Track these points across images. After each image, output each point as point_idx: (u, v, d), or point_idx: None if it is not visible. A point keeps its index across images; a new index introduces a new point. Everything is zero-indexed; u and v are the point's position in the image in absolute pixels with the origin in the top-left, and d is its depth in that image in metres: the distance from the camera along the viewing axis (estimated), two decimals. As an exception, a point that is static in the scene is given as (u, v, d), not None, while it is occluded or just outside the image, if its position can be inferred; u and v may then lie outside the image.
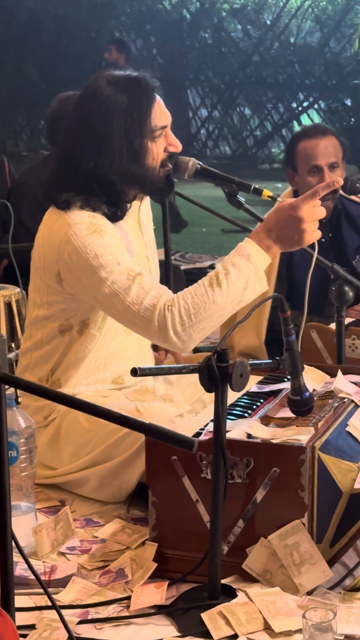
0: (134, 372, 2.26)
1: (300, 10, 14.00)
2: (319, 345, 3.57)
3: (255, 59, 14.06)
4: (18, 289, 3.99)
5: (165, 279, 4.04)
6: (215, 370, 2.24)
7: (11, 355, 1.85)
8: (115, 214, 2.86)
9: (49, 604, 2.37)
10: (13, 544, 2.10)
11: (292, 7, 14.08)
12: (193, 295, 2.71)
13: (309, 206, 2.69)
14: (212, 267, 5.96)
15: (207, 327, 2.73)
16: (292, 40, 14.02)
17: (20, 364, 3.06)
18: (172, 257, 6.78)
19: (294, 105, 14.30)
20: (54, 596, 2.39)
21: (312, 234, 2.71)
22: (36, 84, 14.03)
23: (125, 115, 2.81)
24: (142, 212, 3.06)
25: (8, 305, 3.97)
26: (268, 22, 14.11)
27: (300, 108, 14.29)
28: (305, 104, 14.20)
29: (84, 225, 2.77)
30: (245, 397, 2.80)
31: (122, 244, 2.81)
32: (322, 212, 2.72)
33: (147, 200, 3.13)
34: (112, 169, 2.81)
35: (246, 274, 2.70)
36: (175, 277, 5.07)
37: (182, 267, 6.15)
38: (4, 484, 1.84)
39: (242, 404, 2.75)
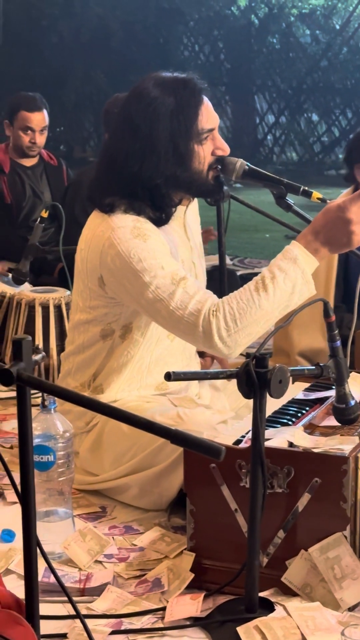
0: (168, 376, 2.20)
1: (370, 14, 13.85)
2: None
3: (324, 64, 13.93)
4: (68, 292, 3.96)
5: (219, 284, 3.98)
6: (254, 376, 2.17)
7: (37, 357, 1.79)
8: (160, 218, 2.80)
9: (84, 612, 2.34)
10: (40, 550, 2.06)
11: (362, 12, 13.93)
12: (239, 300, 2.64)
13: (357, 207, 2.60)
14: (269, 272, 5.87)
15: (254, 333, 2.66)
16: (361, 45, 13.88)
17: (63, 369, 3.03)
18: (231, 262, 6.74)
19: (363, 110, 14.15)
20: (88, 605, 2.36)
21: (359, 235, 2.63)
22: (104, 90, 14.07)
23: (171, 117, 2.75)
24: (188, 216, 2.99)
25: (58, 308, 3.95)
26: (337, 26, 13.96)
27: (368, 114, 14.13)
28: (373, 109, 14.04)
29: (127, 229, 2.72)
30: (291, 404, 2.73)
31: (166, 248, 2.76)
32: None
33: (194, 204, 3.07)
34: (157, 172, 2.75)
35: (293, 278, 2.63)
36: (230, 282, 5.00)
37: (240, 273, 6.09)
38: (29, 489, 1.79)
39: (287, 411, 2.68)
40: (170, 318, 2.68)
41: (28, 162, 5.42)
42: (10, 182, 5.35)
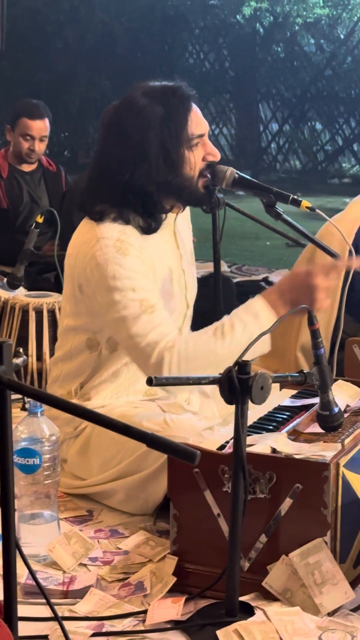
0: (149, 381, 2.22)
1: (375, 24, 13.87)
2: (361, 360, 3.49)
3: (328, 73, 13.96)
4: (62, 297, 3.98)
5: (214, 291, 4.00)
6: (236, 382, 2.20)
7: (18, 360, 1.82)
8: (150, 226, 2.83)
9: (67, 614, 2.36)
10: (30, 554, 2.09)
11: (366, 21, 13.96)
12: (196, 342, 2.70)
13: (324, 275, 2.70)
14: (265, 279, 5.89)
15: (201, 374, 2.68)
16: (365, 54, 13.90)
17: (51, 375, 3.05)
18: (229, 270, 6.76)
19: (366, 119, 14.17)
20: (71, 607, 2.38)
21: (321, 302, 2.71)
22: (109, 96, 14.09)
23: (161, 125, 2.78)
24: (178, 223, 3.01)
25: (51, 313, 3.97)
26: (342, 36, 13.99)
27: (372, 123, 14.16)
28: (378, 118, 14.07)
29: (111, 241, 2.75)
30: (277, 411, 2.75)
31: (145, 269, 2.78)
32: (334, 286, 2.72)
33: (186, 212, 3.09)
34: (149, 179, 2.78)
35: (251, 332, 2.68)
36: (225, 289, 5.02)
37: (236, 280, 6.11)
38: (8, 491, 1.82)
39: (273, 418, 2.70)
40: (128, 341, 2.73)
41: (27, 168, 5.45)
42: (8, 187, 5.38)
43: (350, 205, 3.73)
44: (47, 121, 5.31)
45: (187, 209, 3.09)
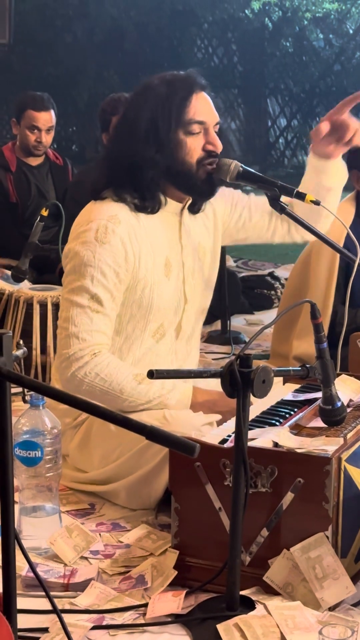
0: (151, 374, 2.21)
1: (384, 19, 13.83)
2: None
3: (337, 68, 13.90)
4: (67, 290, 3.98)
5: (219, 285, 3.99)
6: (237, 376, 2.19)
7: (19, 352, 1.81)
8: (144, 205, 2.84)
9: (67, 607, 2.36)
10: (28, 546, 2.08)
11: (376, 16, 13.91)
12: (117, 368, 2.76)
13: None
14: (271, 274, 5.87)
15: (95, 397, 2.74)
16: (375, 49, 13.85)
17: (53, 365, 3.05)
18: (235, 264, 6.75)
19: (375, 115, 14.11)
20: (72, 600, 2.38)
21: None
22: (117, 90, 13.98)
23: (156, 102, 2.81)
24: (187, 217, 2.98)
25: (56, 306, 3.97)
26: (350, 31, 13.93)
27: (381, 118, 14.09)
28: (386, 114, 14.00)
29: (95, 224, 2.80)
30: (279, 405, 2.74)
31: (118, 261, 2.80)
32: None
33: (219, 203, 3.07)
34: (136, 153, 2.80)
35: (162, 396, 2.78)
36: (231, 283, 5.02)
37: (242, 274, 6.10)
38: (7, 484, 1.81)
39: (276, 412, 2.69)
40: (63, 322, 2.80)
41: (34, 162, 5.45)
42: (17, 181, 5.38)
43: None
44: (52, 112, 5.32)
45: (221, 207, 3.08)
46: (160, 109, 2.79)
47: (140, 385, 2.76)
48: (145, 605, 2.33)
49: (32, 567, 1.98)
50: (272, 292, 5.55)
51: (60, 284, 4.28)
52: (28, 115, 5.26)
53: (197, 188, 2.88)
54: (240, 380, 2.19)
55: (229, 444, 2.42)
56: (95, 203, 2.87)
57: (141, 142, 2.79)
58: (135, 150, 2.80)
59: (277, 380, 2.82)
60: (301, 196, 2.87)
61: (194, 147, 2.82)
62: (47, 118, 5.29)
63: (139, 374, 2.77)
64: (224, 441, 2.47)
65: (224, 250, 4.29)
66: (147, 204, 2.85)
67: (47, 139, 5.35)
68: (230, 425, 2.59)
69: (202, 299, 3.07)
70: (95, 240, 2.77)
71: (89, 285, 2.76)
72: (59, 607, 2.32)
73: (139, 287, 2.83)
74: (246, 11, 13.83)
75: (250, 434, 2.38)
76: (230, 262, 6.57)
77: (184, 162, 2.82)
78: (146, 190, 2.84)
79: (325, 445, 2.38)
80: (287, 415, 2.65)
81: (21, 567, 2.37)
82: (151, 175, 2.82)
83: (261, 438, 2.44)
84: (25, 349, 1.85)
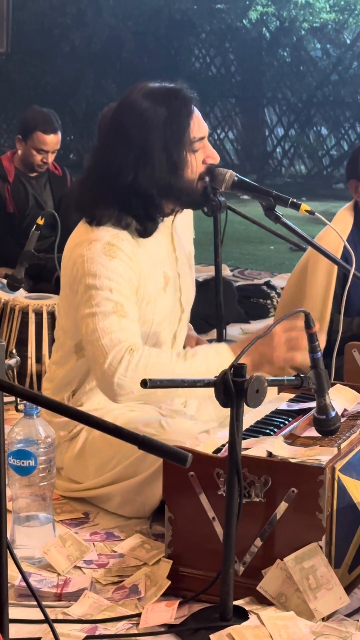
0: (144, 383, 2.21)
1: (382, 30, 13.85)
2: (360, 365, 3.48)
3: (334, 78, 13.92)
4: (62, 299, 3.98)
5: (215, 295, 3.99)
6: (231, 385, 2.19)
7: (11, 361, 1.81)
8: (146, 230, 2.82)
9: (60, 617, 2.35)
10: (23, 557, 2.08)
11: (373, 27, 13.93)
12: (158, 355, 2.70)
13: (283, 334, 2.70)
14: (267, 283, 5.87)
15: (151, 391, 2.63)
16: (372, 59, 13.87)
17: (46, 377, 3.06)
18: (231, 273, 6.75)
19: (372, 125, 14.13)
20: (65, 610, 2.37)
21: (279, 358, 2.71)
22: (115, 99, 13.98)
23: (164, 127, 2.76)
24: (177, 226, 3.00)
25: (51, 315, 3.97)
26: (348, 41, 13.95)
27: (378, 128, 14.12)
28: (383, 124, 14.03)
29: (100, 243, 2.75)
30: (274, 414, 2.73)
31: (129, 275, 2.77)
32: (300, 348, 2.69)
33: (188, 214, 3.08)
34: (152, 182, 2.77)
35: (210, 364, 2.70)
36: (227, 292, 5.01)
37: (238, 283, 6.10)
38: (0, 493, 1.81)
39: (270, 421, 2.68)
40: (91, 336, 2.71)
41: (33, 173, 5.44)
42: (14, 191, 5.37)
43: (333, 220, 3.73)
44: (59, 134, 5.29)
45: (190, 211, 3.08)
46: (169, 133, 2.75)
47: (186, 361, 2.69)
48: (139, 615, 2.32)
49: (24, 576, 1.98)
50: (268, 302, 5.56)
51: (56, 293, 4.30)
52: (37, 138, 5.20)
53: (196, 202, 2.90)
54: (234, 390, 2.19)
55: (222, 453, 2.42)
56: (93, 228, 2.80)
57: (157, 170, 2.75)
58: (151, 179, 2.76)
59: (272, 390, 2.83)
60: (296, 206, 2.87)
61: (196, 163, 2.82)
62: (55, 141, 5.26)
63: (179, 352, 2.74)
64: (218, 450, 2.47)
65: (220, 259, 4.29)
66: (149, 229, 2.84)
67: (52, 158, 5.35)
68: (225, 434, 2.58)
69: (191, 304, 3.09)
70: (104, 255, 2.74)
71: (109, 295, 2.71)
72: (52, 616, 2.32)
73: (142, 305, 2.83)
74: (244, 21, 13.84)
75: (244, 443, 2.38)
76: (226, 271, 6.57)
77: (189, 180, 2.81)
78: (158, 216, 2.84)
79: (319, 455, 2.38)
80: (281, 425, 2.65)
81: (14, 576, 2.36)
82: (163, 201, 2.82)
83: (255, 447, 2.44)
84: (18, 358, 1.84)
